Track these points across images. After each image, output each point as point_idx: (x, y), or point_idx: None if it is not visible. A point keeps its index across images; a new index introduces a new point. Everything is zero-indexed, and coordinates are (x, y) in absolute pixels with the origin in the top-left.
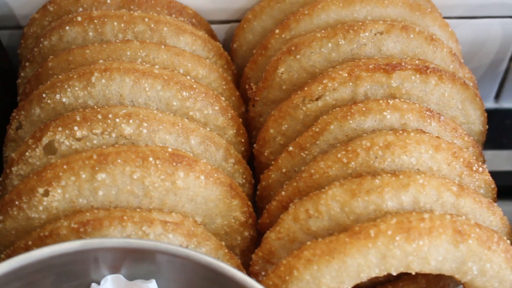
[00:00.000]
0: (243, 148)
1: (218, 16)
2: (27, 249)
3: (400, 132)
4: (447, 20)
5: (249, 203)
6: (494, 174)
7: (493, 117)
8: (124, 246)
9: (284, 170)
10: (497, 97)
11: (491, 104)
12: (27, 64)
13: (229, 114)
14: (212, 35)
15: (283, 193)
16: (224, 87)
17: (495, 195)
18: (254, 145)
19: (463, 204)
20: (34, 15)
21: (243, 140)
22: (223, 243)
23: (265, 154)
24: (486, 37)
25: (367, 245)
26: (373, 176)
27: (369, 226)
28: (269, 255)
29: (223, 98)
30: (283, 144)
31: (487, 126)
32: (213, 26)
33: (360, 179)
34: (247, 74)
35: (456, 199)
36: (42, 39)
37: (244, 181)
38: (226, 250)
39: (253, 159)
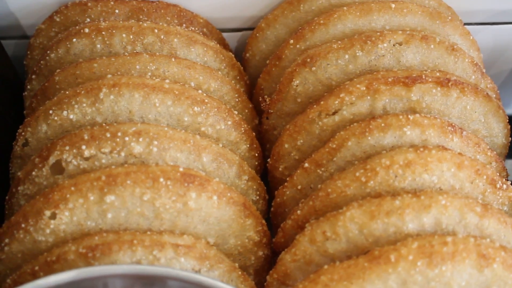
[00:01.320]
0: (256, 163)
1: (230, 24)
2: (33, 274)
3: (421, 149)
4: (468, 27)
5: (263, 221)
6: None
7: None
8: (134, 273)
9: (299, 187)
10: None
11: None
12: (33, 76)
13: (242, 129)
14: (224, 44)
15: (298, 212)
16: (237, 99)
17: None
18: (268, 160)
19: (487, 225)
20: (41, 26)
21: (256, 155)
22: (237, 264)
23: (280, 169)
24: (508, 43)
25: (387, 270)
26: (393, 196)
27: (389, 251)
28: (284, 277)
29: (236, 112)
30: (298, 159)
31: (510, 139)
32: (225, 35)
33: (379, 199)
34: (260, 85)
35: (479, 220)
36: (48, 52)
37: (258, 197)
38: (239, 272)
39: (267, 173)
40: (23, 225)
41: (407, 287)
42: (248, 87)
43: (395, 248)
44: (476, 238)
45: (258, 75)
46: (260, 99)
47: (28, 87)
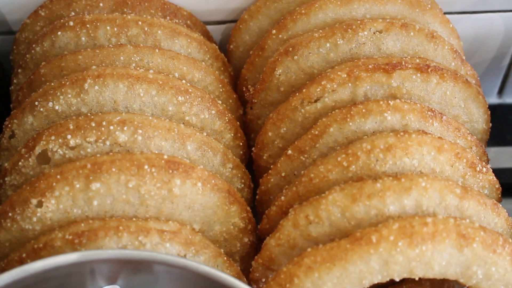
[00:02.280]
0: (241, 152)
1: (214, 17)
2: (21, 261)
3: (401, 133)
4: (448, 16)
5: (248, 208)
6: (498, 172)
7: (497, 112)
8: (120, 257)
9: (283, 174)
10: (500, 92)
11: (494, 99)
12: (19, 70)
13: (226, 118)
14: (208, 36)
15: (282, 198)
16: (221, 90)
17: (500, 195)
18: (253, 149)
19: (467, 206)
20: (26, 21)
21: (241, 144)
22: (222, 250)
23: (264, 157)
24: (488, 32)
25: (369, 251)
26: (374, 179)
27: (371, 232)
28: (269, 262)
29: (220, 101)
30: (282, 147)
31: (490, 124)
32: (209, 27)
33: (361, 183)
34: (244, 75)
35: (459, 201)
36: (34, 45)
37: (243, 185)
38: (225, 258)
39: (252, 162)
40: (10, 214)
41: (388, 267)
42: (232, 78)
43: (376, 229)
44: (456, 219)
45: (242, 66)
46: (244, 89)
47: (15, 81)
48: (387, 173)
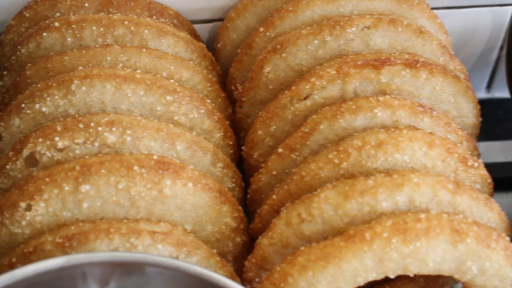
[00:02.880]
0: (231, 151)
1: (201, 16)
2: (11, 266)
3: (392, 129)
4: (435, 11)
5: (240, 208)
6: (488, 166)
7: (486, 107)
8: (112, 260)
9: (274, 173)
10: (489, 86)
11: (483, 94)
12: (5, 73)
13: (215, 117)
14: (195, 35)
15: (274, 196)
16: (209, 89)
17: (492, 190)
18: (243, 148)
19: (460, 201)
20: (11, 22)
21: (231, 143)
22: (215, 250)
23: (254, 156)
24: (476, 27)
25: (363, 248)
26: (366, 176)
27: (364, 229)
28: (263, 261)
29: (209, 101)
30: (272, 145)
31: (480, 119)
32: (196, 26)
33: (352, 180)
34: (232, 74)
35: (452, 196)
36: (19, 47)
37: (234, 185)
38: (218, 258)
39: (242, 162)
40: None
41: (383, 264)
42: (220, 77)
43: (369, 227)
44: (449, 214)
45: (230, 65)
46: (233, 88)
47: (0, 83)
48: (379, 170)
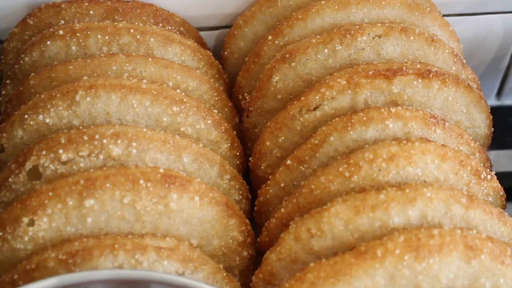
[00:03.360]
0: (238, 162)
1: (207, 23)
2: (13, 283)
3: (404, 142)
4: (447, 18)
5: (247, 221)
6: (498, 175)
7: (496, 115)
8: (117, 278)
9: (282, 185)
10: (499, 94)
11: (493, 101)
12: (7, 81)
13: (222, 128)
14: (201, 42)
15: (282, 210)
16: (216, 98)
17: (504, 202)
18: (250, 158)
19: (473, 216)
20: (14, 30)
21: (238, 153)
22: (221, 265)
23: (262, 167)
24: (487, 34)
25: (374, 265)
26: (378, 190)
27: (376, 246)
28: (270, 277)
29: (216, 111)
30: (281, 157)
31: (492, 129)
32: (202, 33)
33: (363, 194)
34: (239, 83)
35: (465, 211)
36: (22, 55)
37: (240, 197)
38: (224, 274)
39: (249, 172)
40: (0, 234)
41: (395, 282)
42: (227, 85)
43: (381, 243)
44: (463, 230)
45: (237, 73)
46: (240, 97)
47: (3, 92)
48: (391, 183)
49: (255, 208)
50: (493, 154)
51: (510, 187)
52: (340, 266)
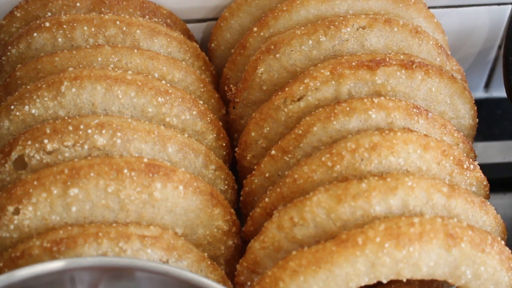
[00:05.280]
0: (224, 152)
1: (194, 15)
2: None
3: (387, 132)
4: (432, 10)
5: (232, 210)
6: (486, 167)
7: (484, 107)
8: (100, 265)
9: (267, 175)
10: (487, 86)
11: (481, 93)
12: None
13: (208, 118)
14: (188, 35)
15: (266, 199)
16: (202, 89)
17: (488, 192)
18: (236, 149)
19: (455, 205)
20: (1, 22)
21: (224, 144)
22: (206, 254)
23: (248, 158)
24: (474, 26)
25: (355, 253)
26: (360, 179)
27: (357, 234)
28: (254, 265)
29: (201, 102)
30: (266, 147)
31: (477, 120)
32: (189, 26)
33: (346, 183)
34: (226, 74)
35: (447, 200)
36: (9, 47)
37: (226, 187)
38: (209, 262)
39: (236, 163)
40: None
41: (375, 269)
42: (214, 77)
43: (362, 231)
44: (444, 218)
45: (224, 65)
46: (226, 89)
47: None
48: (373, 173)
49: (241, 198)
50: (480, 145)
51: (497, 178)
52: (322, 254)
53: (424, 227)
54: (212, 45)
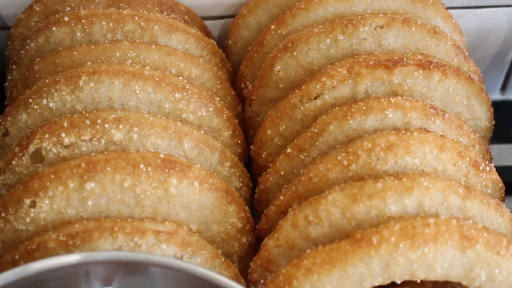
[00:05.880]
0: (240, 150)
1: (212, 12)
2: (14, 263)
3: (403, 132)
4: (450, 11)
5: (247, 208)
6: (501, 169)
7: (500, 109)
8: (115, 259)
9: (282, 173)
10: (504, 88)
11: (497, 95)
12: (14, 67)
13: (224, 115)
14: (205, 31)
15: (281, 197)
16: (219, 86)
17: (503, 194)
18: (251, 147)
19: (470, 206)
20: (20, 16)
21: (239, 142)
22: (220, 251)
23: (263, 155)
24: (491, 27)
25: (370, 253)
26: (375, 179)
27: (372, 233)
28: (268, 263)
29: (218, 98)
30: (281, 145)
31: (493, 122)
32: (207, 22)
33: (361, 182)
34: (242, 72)
35: (462, 201)
36: (28, 41)
37: (241, 184)
38: (222, 259)
39: (251, 160)
40: (3, 214)
41: (389, 270)
42: (231, 74)
43: (377, 231)
44: (459, 220)
45: (241, 62)
46: (243, 86)
47: (9, 77)
48: (388, 172)
49: (256, 195)
50: (496, 148)
51: None
52: (336, 253)
53: (439, 228)
54: (229, 42)
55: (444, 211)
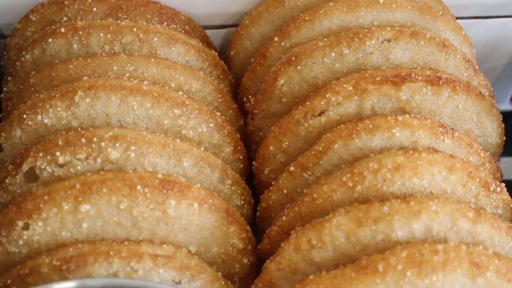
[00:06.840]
0: (241, 165)
1: (214, 21)
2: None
3: (411, 152)
4: (460, 21)
5: (248, 228)
6: (510, 183)
7: (509, 120)
8: (111, 286)
9: (285, 191)
10: None
11: (507, 106)
12: (9, 78)
13: (225, 131)
14: (207, 41)
15: (284, 218)
16: (220, 100)
17: None
18: (254, 163)
19: (480, 230)
20: (16, 25)
21: (241, 157)
22: (220, 273)
23: (265, 172)
24: (502, 37)
25: (375, 281)
26: (381, 201)
27: (377, 260)
28: (269, 287)
29: (219, 113)
30: (284, 162)
31: (504, 138)
32: (208, 32)
33: (367, 205)
34: (245, 84)
35: (472, 225)
36: (24, 52)
37: (242, 202)
38: (223, 282)
39: (253, 176)
40: None
41: None
42: (233, 86)
43: (383, 257)
44: (469, 246)
45: (243, 73)
46: (245, 99)
47: (4, 89)
48: (395, 194)
49: (257, 213)
50: (505, 161)
51: None
52: (340, 280)
53: (448, 255)
54: (232, 53)
55: (453, 236)
